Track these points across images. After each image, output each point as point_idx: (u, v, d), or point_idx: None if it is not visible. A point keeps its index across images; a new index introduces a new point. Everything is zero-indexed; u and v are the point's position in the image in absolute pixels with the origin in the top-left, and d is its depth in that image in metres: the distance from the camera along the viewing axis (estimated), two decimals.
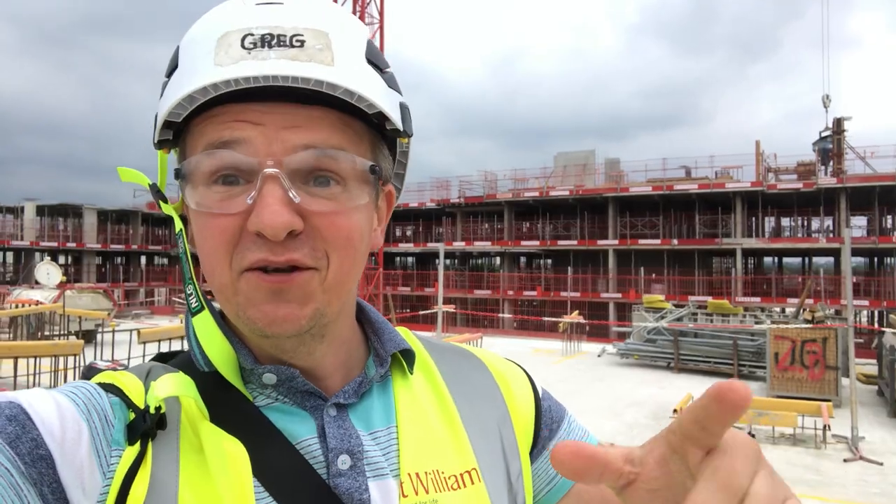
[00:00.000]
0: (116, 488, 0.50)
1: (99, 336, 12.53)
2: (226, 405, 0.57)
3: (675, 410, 8.10)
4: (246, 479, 0.52)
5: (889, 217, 26.72)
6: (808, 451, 7.18)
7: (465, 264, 36.19)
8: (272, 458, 0.55)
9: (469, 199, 32.71)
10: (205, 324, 0.58)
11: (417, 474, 0.59)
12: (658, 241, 28.04)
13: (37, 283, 16.39)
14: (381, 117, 0.55)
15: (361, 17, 29.14)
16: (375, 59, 0.57)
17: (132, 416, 0.55)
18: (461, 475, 0.61)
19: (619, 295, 26.82)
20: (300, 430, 0.58)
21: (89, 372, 0.61)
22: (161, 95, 0.56)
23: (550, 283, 30.08)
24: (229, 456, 0.53)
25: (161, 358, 0.65)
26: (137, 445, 0.52)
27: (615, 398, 10.11)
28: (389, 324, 0.69)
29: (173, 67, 0.55)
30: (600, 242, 29.03)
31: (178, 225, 0.59)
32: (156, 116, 0.56)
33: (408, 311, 23.23)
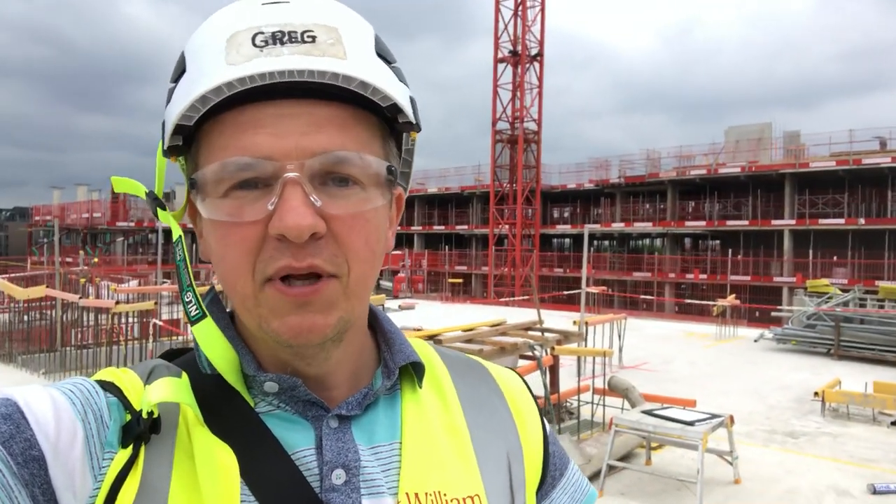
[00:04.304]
0: (105, 492, 0.50)
1: None
2: (225, 409, 0.56)
3: (815, 393, 7.97)
4: (233, 488, 0.51)
5: None
6: None
7: (623, 246, 35.56)
8: (265, 467, 0.54)
9: (629, 179, 32.06)
10: (206, 331, 0.57)
11: (417, 494, 0.57)
12: (842, 221, 25.66)
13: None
14: (394, 110, 0.55)
15: None
16: (384, 53, 0.56)
17: (129, 417, 0.54)
18: (464, 499, 0.59)
19: (794, 279, 24.98)
20: (298, 439, 0.57)
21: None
22: (168, 102, 0.55)
23: (717, 266, 28.74)
24: (218, 463, 0.52)
25: (170, 355, 0.64)
26: (130, 449, 0.52)
27: (762, 381, 9.93)
28: (403, 334, 0.67)
29: (181, 72, 0.54)
30: (774, 222, 27.21)
31: (178, 232, 0.59)
32: (163, 124, 0.55)
33: (564, 292, 23.63)
